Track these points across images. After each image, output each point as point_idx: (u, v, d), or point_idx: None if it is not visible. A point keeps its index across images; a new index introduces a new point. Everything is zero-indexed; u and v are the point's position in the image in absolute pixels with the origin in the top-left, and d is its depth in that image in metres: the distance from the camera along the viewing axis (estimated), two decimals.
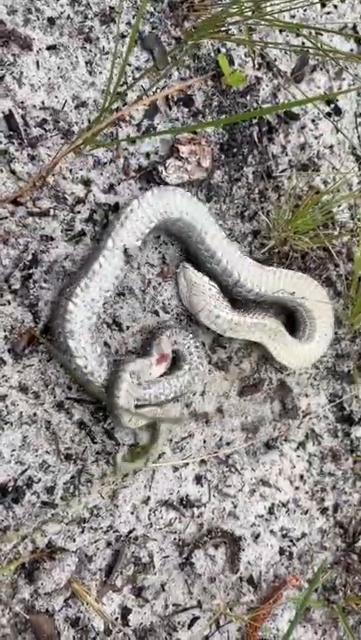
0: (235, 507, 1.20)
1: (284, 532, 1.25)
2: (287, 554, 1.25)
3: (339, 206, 1.28)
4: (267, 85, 1.22)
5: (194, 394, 1.16)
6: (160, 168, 1.08)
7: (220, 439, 1.19)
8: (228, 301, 1.11)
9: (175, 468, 1.14)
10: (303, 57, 1.26)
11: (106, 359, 1.00)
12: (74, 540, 1.04)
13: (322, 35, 1.28)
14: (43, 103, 1.01)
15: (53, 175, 1.01)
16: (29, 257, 0.99)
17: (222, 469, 1.19)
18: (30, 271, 1.00)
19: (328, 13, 1.30)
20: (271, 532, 1.24)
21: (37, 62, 1.00)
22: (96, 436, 1.06)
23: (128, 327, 1.08)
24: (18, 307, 0.99)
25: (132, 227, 1.00)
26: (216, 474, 1.18)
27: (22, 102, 0.99)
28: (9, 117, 0.98)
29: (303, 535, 1.27)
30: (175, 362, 1.09)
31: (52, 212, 1.01)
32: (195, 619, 1.15)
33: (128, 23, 1.08)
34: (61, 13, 1.02)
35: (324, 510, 1.30)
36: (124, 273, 1.01)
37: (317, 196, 1.19)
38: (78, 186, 1.04)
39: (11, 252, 0.99)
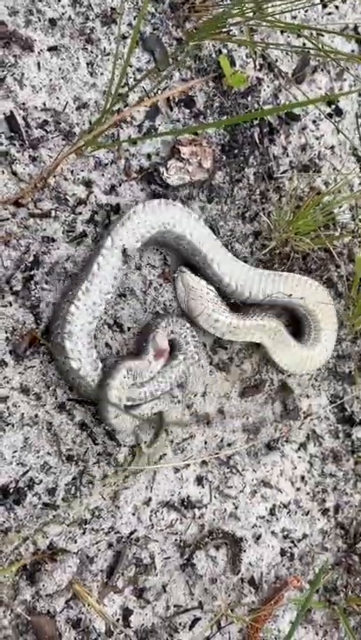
0: (236, 508, 1.20)
1: (286, 533, 1.25)
2: (288, 555, 1.25)
3: (340, 207, 1.28)
4: (268, 86, 1.22)
5: (195, 395, 1.16)
6: (161, 169, 1.08)
7: (222, 440, 1.19)
8: (226, 304, 1.11)
9: (176, 469, 1.14)
10: (304, 58, 1.26)
11: (100, 364, 1.00)
12: (75, 542, 1.04)
13: (323, 35, 1.28)
14: (44, 104, 1.01)
15: (55, 176, 1.01)
16: (31, 258, 0.99)
17: (223, 470, 1.19)
18: (32, 272, 0.99)
19: (329, 14, 1.30)
20: (272, 533, 1.24)
21: (39, 63, 1.00)
22: (97, 438, 1.06)
23: (129, 328, 1.08)
24: (19, 308, 0.99)
25: (132, 227, 1.00)
26: (217, 475, 1.18)
27: (23, 103, 0.99)
28: (10, 119, 0.98)
29: (304, 536, 1.27)
30: (172, 350, 1.08)
31: (53, 213, 1.01)
32: (196, 620, 1.15)
33: (129, 24, 1.08)
34: (63, 14, 1.02)
35: (325, 511, 1.30)
36: (122, 273, 1.01)
37: (318, 197, 1.19)
38: (79, 187, 1.04)
39: (12, 254, 0.99)
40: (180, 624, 1.13)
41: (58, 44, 1.02)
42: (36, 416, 1.01)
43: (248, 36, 1.18)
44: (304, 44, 1.25)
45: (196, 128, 1.12)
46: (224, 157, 1.16)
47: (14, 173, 0.98)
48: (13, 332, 0.99)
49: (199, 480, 1.16)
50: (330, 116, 1.29)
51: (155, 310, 1.10)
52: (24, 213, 0.99)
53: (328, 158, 1.29)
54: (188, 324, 1.09)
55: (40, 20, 1.01)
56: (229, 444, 1.20)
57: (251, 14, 1.09)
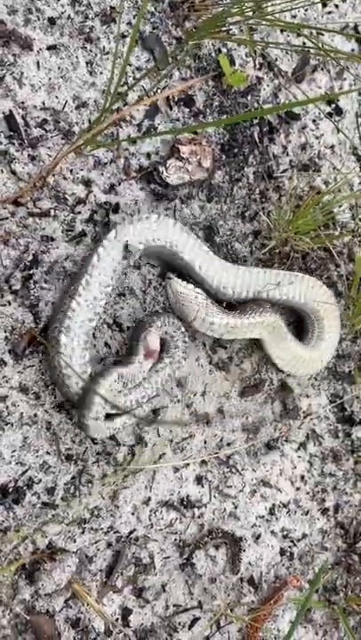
0: (235, 507, 1.20)
1: (285, 532, 1.25)
2: (288, 554, 1.25)
3: (340, 206, 1.28)
4: (268, 85, 1.22)
5: (195, 394, 1.16)
6: (161, 168, 1.08)
7: (221, 440, 1.19)
8: (218, 305, 1.10)
9: (176, 469, 1.14)
10: (304, 57, 1.26)
11: (89, 369, 0.98)
12: (74, 541, 1.04)
13: (323, 35, 1.28)
14: (43, 103, 1.01)
15: (54, 175, 1.01)
16: (30, 257, 0.99)
17: (223, 470, 1.19)
18: (31, 272, 0.99)
19: (329, 13, 1.30)
20: (272, 532, 1.24)
21: (38, 62, 1.00)
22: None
23: (129, 328, 1.08)
24: (18, 307, 0.99)
25: (141, 228, 0.99)
26: (217, 474, 1.18)
27: (23, 102, 0.99)
28: (9, 118, 0.98)
29: (304, 536, 1.27)
30: (160, 351, 1.06)
31: (52, 212, 1.01)
32: (195, 619, 1.15)
33: (129, 23, 1.08)
34: (62, 13, 1.02)
35: (324, 511, 1.30)
36: (121, 267, 1.00)
37: (318, 197, 1.19)
38: (79, 186, 1.04)
39: (11, 253, 0.99)
40: (179, 624, 1.13)
41: (57, 43, 1.02)
42: (35, 415, 1.01)
43: (248, 35, 1.18)
44: (304, 43, 1.25)
45: (196, 127, 1.12)
46: (224, 157, 1.15)
47: (13, 172, 0.98)
48: (12, 331, 0.99)
49: (199, 479, 1.16)
50: (330, 115, 1.29)
51: (154, 310, 1.10)
52: (23, 212, 0.99)
53: (328, 157, 1.29)
54: (183, 328, 1.07)
55: (39, 19, 1.01)
56: (229, 444, 1.20)
57: (250, 13, 1.09)
